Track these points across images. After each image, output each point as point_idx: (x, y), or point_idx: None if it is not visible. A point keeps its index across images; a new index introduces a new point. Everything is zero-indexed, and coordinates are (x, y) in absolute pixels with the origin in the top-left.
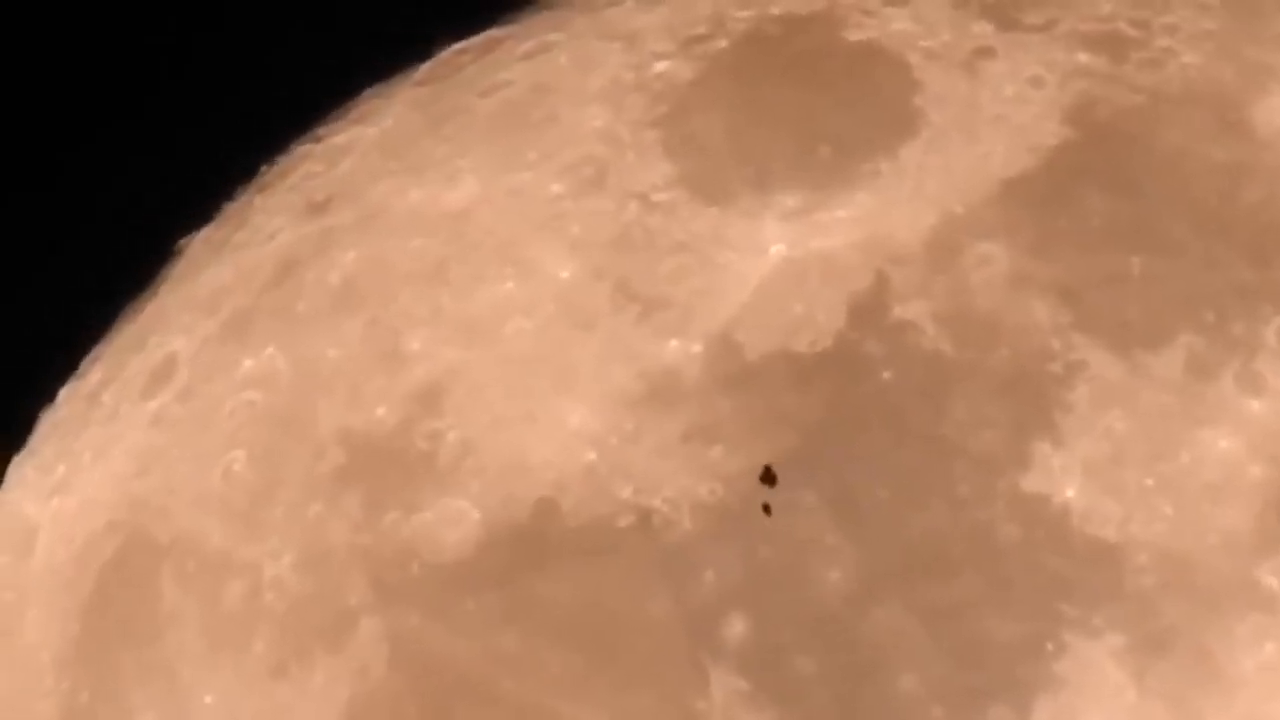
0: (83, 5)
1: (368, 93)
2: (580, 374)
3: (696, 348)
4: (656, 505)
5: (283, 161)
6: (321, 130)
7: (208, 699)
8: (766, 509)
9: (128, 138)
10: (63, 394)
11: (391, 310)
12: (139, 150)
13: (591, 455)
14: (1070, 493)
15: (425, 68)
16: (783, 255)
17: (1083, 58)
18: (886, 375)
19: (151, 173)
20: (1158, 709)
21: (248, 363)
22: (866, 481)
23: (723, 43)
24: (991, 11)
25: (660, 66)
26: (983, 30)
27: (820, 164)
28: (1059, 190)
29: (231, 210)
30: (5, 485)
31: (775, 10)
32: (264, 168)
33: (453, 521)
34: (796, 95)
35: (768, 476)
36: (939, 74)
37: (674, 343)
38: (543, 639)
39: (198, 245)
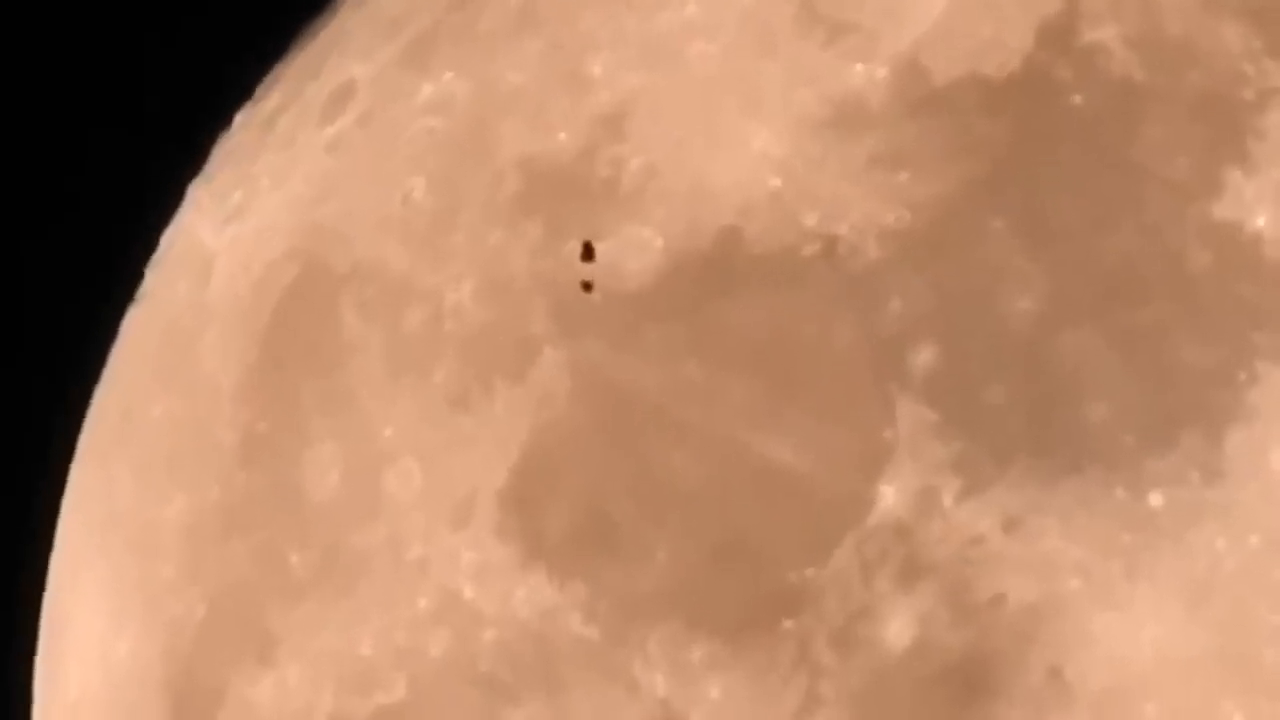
0: None
1: None
2: (764, 98)
3: (883, 71)
4: (842, 232)
5: None
6: None
7: (388, 429)
8: (587, 286)
9: None
10: (239, 119)
11: (573, 33)
12: None
13: (776, 181)
14: (1262, 221)
15: None
16: None
17: None
18: (1076, 99)
19: None
20: None
21: (427, 87)
22: (1056, 206)
23: None
24: None
25: None
26: None
27: None
28: None
29: None
30: (181, 212)
31: None
32: None
33: (636, 249)
34: None
35: (587, 253)
36: None
37: (860, 66)
38: (727, 369)
39: None
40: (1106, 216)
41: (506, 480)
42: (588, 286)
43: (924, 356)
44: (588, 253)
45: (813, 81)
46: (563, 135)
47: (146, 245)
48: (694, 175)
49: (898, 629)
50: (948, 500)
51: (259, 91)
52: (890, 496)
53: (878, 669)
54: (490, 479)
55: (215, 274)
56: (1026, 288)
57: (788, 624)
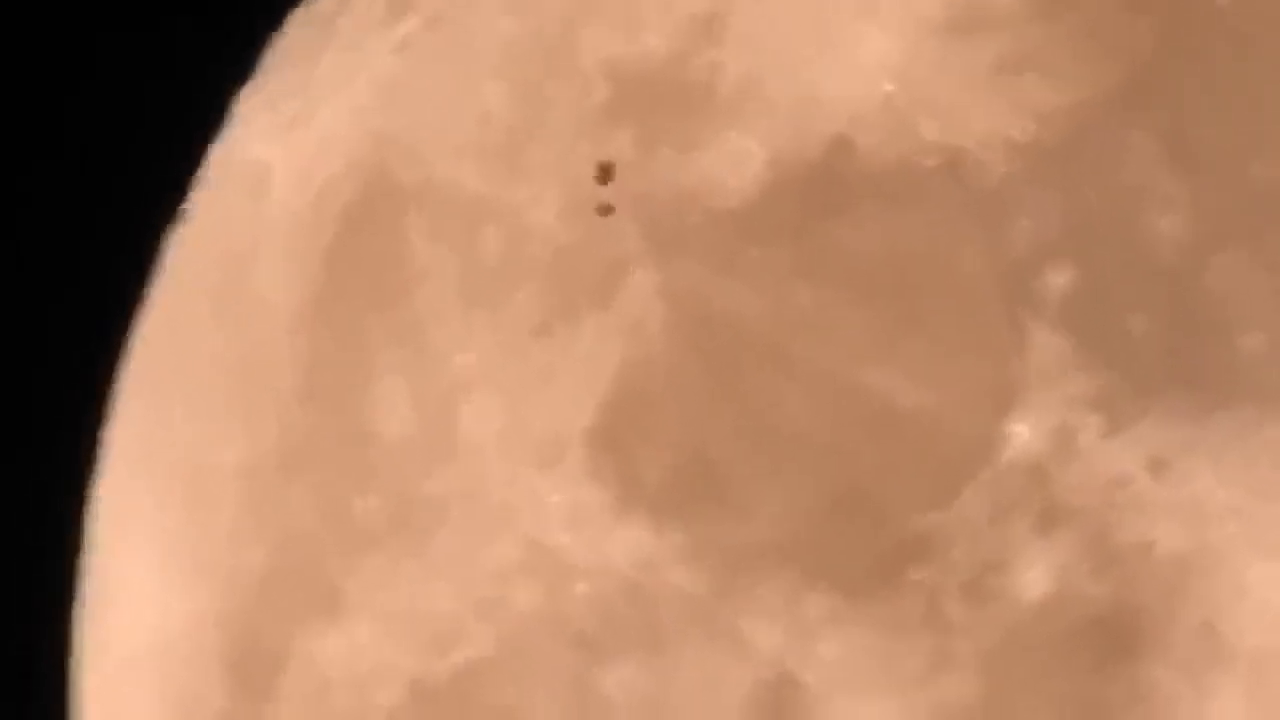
0: None
1: None
2: None
3: None
4: (967, 145)
5: None
6: None
7: (461, 361)
8: (605, 211)
9: None
10: (293, 18)
11: None
12: None
13: (891, 87)
14: None
15: None
16: None
17: None
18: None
19: None
20: None
21: None
22: (1204, 119)
23: None
24: None
25: None
26: None
27: None
28: None
29: None
30: (231, 123)
31: None
32: None
33: (736, 162)
34: None
35: (604, 173)
36: None
37: None
38: (839, 295)
39: None
40: (1260, 131)
41: (596, 417)
42: (606, 211)
43: (1059, 279)
44: (604, 174)
45: None
46: (654, 39)
47: (191, 160)
48: (800, 81)
49: (1034, 580)
50: (1087, 439)
51: None
52: (1024, 434)
53: (1012, 623)
54: (578, 416)
55: (271, 190)
56: (1170, 207)
57: (915, 575)
